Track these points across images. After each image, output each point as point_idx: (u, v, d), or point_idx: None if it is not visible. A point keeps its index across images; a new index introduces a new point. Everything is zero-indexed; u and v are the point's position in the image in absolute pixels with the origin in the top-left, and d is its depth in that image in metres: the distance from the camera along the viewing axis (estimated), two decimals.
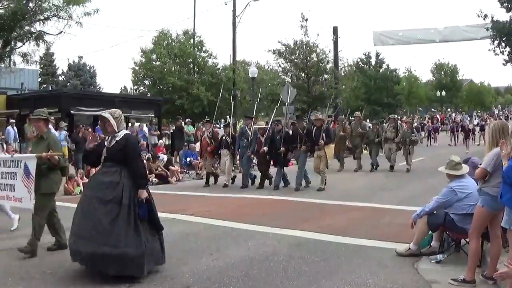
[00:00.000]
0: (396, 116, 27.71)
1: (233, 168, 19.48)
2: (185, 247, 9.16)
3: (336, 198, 14.90)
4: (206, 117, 22.60)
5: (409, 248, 8.32)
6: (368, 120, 49.43)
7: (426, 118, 57.47)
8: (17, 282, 7.10)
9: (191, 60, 41.21)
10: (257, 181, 18.34)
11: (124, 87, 64.71)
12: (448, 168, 8.10)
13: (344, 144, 24.36)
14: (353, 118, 26.02)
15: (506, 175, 6.01)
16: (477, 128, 41.47)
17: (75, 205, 7.22)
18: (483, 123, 42.97)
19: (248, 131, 18.46)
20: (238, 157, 19.52)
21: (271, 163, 18.25)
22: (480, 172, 6.68)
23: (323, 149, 16.99)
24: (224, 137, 18.74)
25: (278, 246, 9.24)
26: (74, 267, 7.78)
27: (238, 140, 18.58)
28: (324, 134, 17.00)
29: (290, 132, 18.21)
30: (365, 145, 24.26)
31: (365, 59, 55.32)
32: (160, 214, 12.46)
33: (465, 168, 8.07)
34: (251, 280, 7.13)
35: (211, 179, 19.31)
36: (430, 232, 8.39)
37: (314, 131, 17.28)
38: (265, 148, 17.43)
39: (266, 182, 18.02)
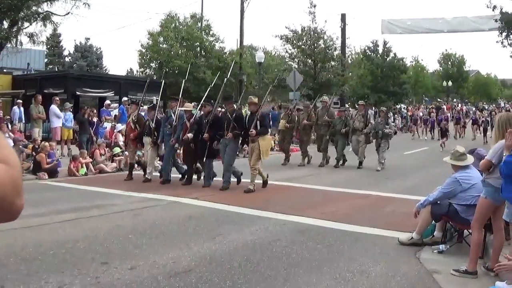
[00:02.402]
0: (364, 102, 22.27)
1: (157, 160, 16.97)
2: (187, 231, 9.17)
3: (340, 186, 14.90)
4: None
5: (412, 238, 8.31)
6: (374, 109, 49.30)
7: (429, 108, 57.04)
8: (19, 263, 7.11)
9: (198, 43, 41.17)
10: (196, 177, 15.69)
11: (131, 69, 64.82)
12: (453, 158, 8.08)
13: (309, 134, 21.27)
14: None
15: (500, 169, 6.03)
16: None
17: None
18: (475, 116, 38.97)
19: (173, 116, 15.42)
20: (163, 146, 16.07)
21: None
22: (484, 164, 6.65)
23: (257, 141, 14.06)
24: (148, 122, 16.02)
25: (281, 231, 9.25)
26: (76, 247, 7.84)
27: (163, 126, 15.65)
28: (258, 122, 14.10)
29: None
30: (329, 136, 20.30)
31: (372, 47, 55.03)
32: (164, 197, 12.61)
33: (470, 159, 8.04)
34: (253, 265, 7.14)
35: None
36: (433, 222, 8.39)
37: (248, 117, 14.68)
38: (190, 135, 14.61)
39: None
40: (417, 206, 8.37)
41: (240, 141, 15.08)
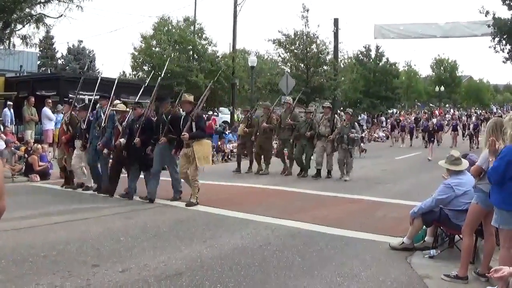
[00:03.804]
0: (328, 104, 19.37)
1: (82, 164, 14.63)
2: (178, 234, 9.15)
3: (331, 190, 14.90)
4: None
5: (403, 242, 8.32)
6: (366, 113, 49.32)
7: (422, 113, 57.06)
8: (10, 264, 7.09)
9: (190, 47, 41.10)
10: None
11: (123, 72, 64.72)
12: (448, 162, 8.09)
13: (270, 139, 19.26)
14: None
15: (488, 175, 6.06)
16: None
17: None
18: (456, 122, 38.25)
19: (103, 116, 13.87)
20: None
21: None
22: (475, 169, 6.66)
23: (191, 146, 12.03)
24: (79, 124, 14.49)
25: (272, 235, 9.25)
26: (67, 249, 7.82)
27: (92, 128, 14.06)
28: (193, 124, 12.05)
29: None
30: (293, 140, 18.14)
31: (365, 52, 55.13)
32: (155, 200, 12.57)
33: (465, 164, 8.03)
34: (244, 269, 7.13)
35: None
36: (424, 227, 8.40)
37: (182, 118, 12.52)
38: (122, 140, 13.04)
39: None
40: (411, 214, 8.35)
41: (174, 146, 12.93)
